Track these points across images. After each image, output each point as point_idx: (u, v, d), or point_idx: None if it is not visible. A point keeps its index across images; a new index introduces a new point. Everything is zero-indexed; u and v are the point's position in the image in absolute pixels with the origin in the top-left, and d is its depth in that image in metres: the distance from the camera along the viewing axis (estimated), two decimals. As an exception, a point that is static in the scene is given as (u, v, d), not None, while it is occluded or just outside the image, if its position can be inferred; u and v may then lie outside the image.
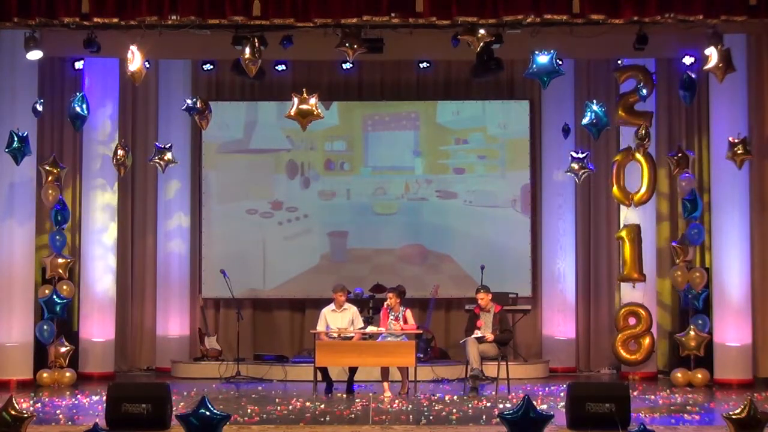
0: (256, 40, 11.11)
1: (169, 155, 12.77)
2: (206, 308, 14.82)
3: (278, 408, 10.44)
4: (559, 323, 14.47)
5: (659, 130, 13.92)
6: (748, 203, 12.97)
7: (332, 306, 12.38)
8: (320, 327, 12.30)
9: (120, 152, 12.84)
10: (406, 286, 13.48)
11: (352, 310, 12.39)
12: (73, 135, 13.80)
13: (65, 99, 13.29)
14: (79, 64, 13.32)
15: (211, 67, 14.16)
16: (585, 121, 12.03)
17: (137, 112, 14.82)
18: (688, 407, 10.72)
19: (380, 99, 15.11)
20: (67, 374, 12.91)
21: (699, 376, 12.91)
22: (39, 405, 10.79)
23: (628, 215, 13.46)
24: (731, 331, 12.79)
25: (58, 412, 10.26)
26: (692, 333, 12.91)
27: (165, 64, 14.52)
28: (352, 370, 12.11)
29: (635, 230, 13.18)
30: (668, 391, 12.29)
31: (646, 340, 13.27)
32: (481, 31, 10.86)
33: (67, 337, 13.10)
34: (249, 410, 10.19)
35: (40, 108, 12.38)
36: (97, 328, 13.57)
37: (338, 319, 12.32)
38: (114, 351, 13.82)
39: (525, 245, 14.79)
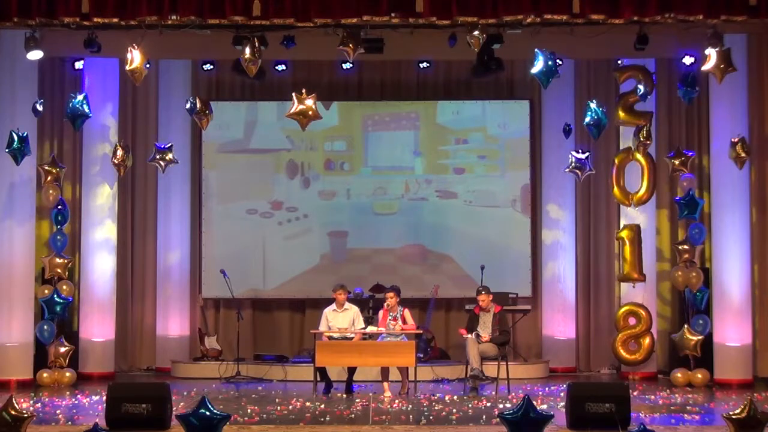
0: (256, 40, 11.12)
1: (170, 155, 12.76)
2: (206, 308, 14.81)
3: (278, 408, 10.43)
4: (559, 323, 14.46)
5: (659, 130, 13.91)
6: (748, 203, 12.98)
7: (333, 306, 12.38)
8: (322, 327, 12.30)
9: (120, 152, 12.83)
10: (406, 286, 13.47)
11: (353, 311, 12.38)
12: (73, 135, 13.81)
13: (65, 99, 13.24)
14: (79, 64, 13.32)
15: (211, 67, 14.17)
16: (586, 120, 12.02)
17: (137, 112, 14.83)
18: (688, 407, 10.71)
19: (380, 99, 15.11)
20: (67, 374, 12.91)
21: (699, 376, 12.91)
22: (39, 405, 10.78)
23: (628, 215, 13.46)
24: (731, 331, 12.78)
25: (58, 412, 10.25)
26: (686, 333, 12.91)
27: (165, 64, 14.52)
28: (351, 371, 12.10)
29: (635, 230, 13.17)
30: (668, 391, 12.28)
31: (646, 340, 13.26)
32: (475, 32, 10.85)
33: (67, 337, 13.10)
34: (249, 410, 10.19)
35: (40, 108, 12.38)
36: (97, 328, 13.57)
37: (339, 319, 12.31)
38: (114, 351, 13.82)
39: (525, 245, 14.78)
